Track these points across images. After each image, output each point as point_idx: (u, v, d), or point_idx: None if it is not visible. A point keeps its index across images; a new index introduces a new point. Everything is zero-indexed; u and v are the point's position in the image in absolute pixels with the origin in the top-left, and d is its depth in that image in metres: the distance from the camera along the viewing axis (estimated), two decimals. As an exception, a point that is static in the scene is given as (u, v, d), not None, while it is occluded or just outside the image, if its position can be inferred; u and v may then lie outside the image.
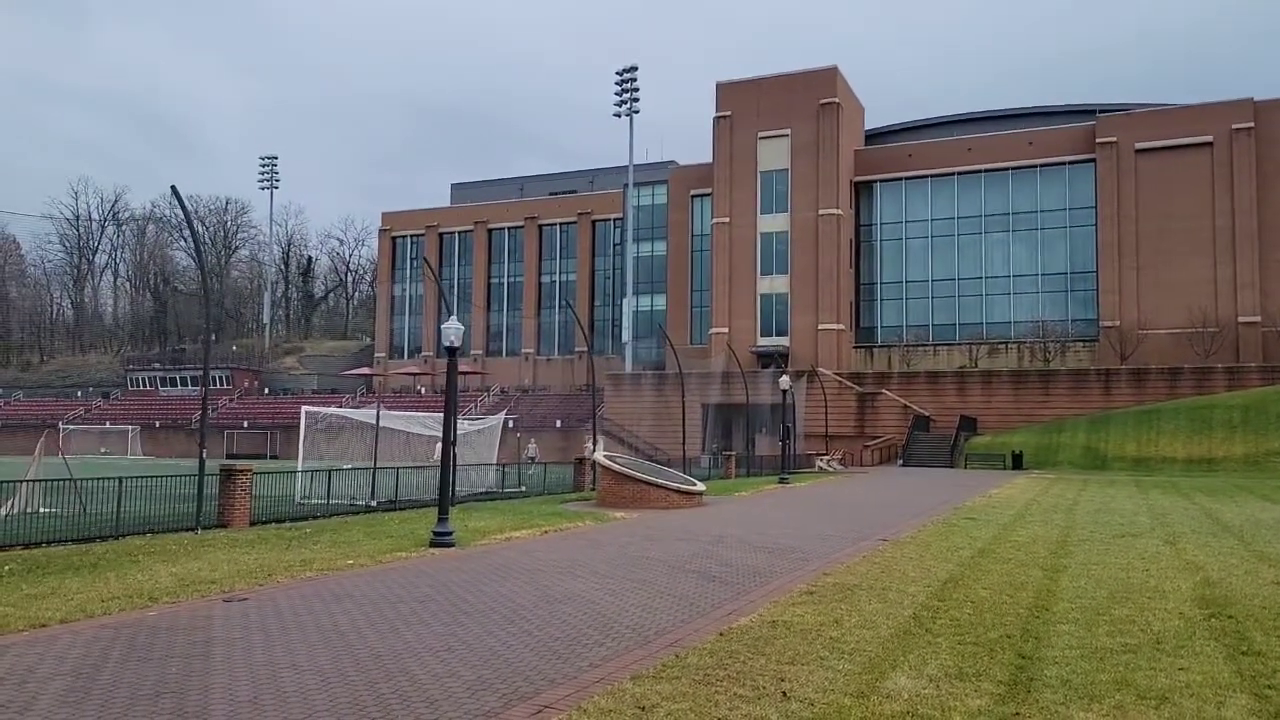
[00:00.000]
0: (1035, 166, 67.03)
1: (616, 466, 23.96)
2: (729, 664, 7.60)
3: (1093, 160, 64.45)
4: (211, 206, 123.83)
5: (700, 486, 24.87)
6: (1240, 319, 59.03)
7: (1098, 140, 63.95)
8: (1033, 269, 67.62)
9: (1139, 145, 62.71)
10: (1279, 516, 20.42)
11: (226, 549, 14.32)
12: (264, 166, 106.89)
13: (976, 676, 7.31)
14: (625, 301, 78.15)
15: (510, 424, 60.91)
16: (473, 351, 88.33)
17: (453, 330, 15.46)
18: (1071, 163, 65.87)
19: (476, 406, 71.61)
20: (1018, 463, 47.56)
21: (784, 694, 6.76)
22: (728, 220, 70.63)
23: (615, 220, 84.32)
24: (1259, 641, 8.41)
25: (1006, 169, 67.83)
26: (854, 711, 6.38)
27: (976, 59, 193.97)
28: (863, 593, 11.05)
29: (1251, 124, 60.33)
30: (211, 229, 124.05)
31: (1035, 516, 21.05)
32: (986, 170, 68.34)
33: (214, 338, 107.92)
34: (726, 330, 68.84)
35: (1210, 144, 61.11)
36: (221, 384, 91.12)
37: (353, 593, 10.75)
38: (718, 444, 57.28)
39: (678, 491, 23.69)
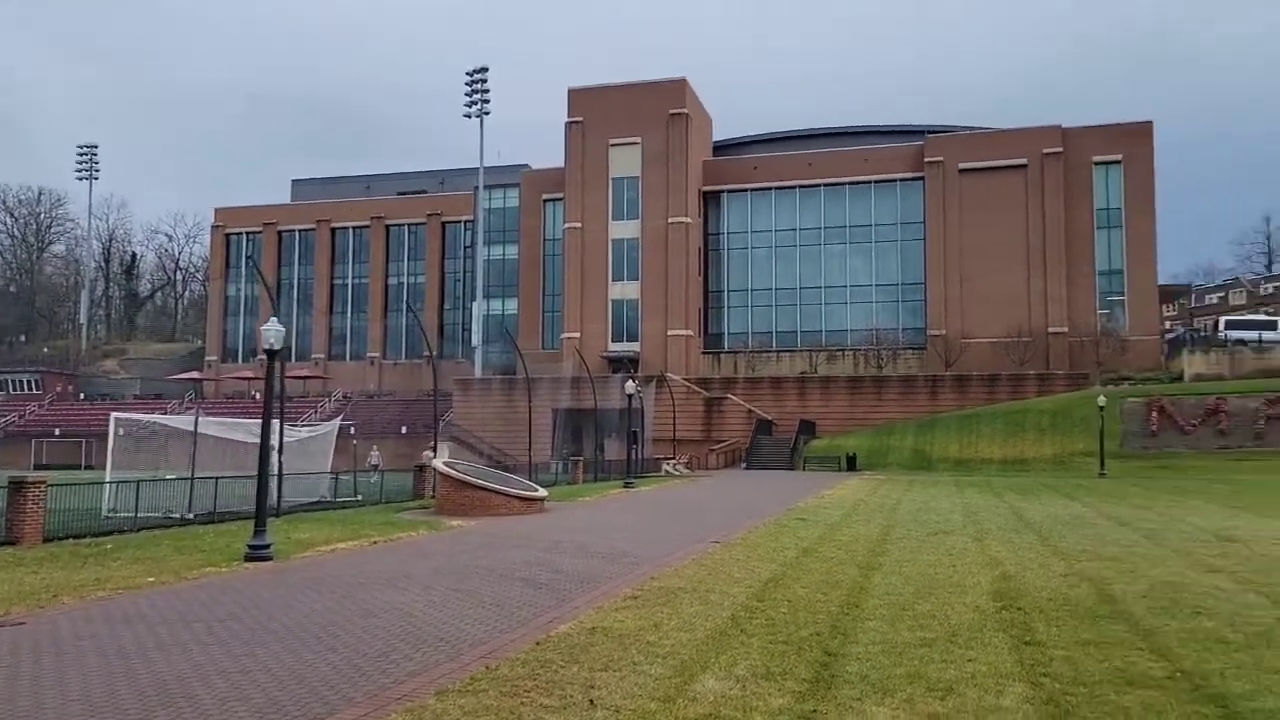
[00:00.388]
0: (870, 182, 70.34)
1: (455, 473, 23.47)
2: (540, 674, 7.49)
3: (922, 178, 68.21)
4: (22, 197, 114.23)
5: (542, 492, 24.68)
6: (1050, 329, 63.69)
7: (926, 160, 67.76)
8: (868, 279, 70.84)
9: (962, 165, 66.84)
10: (1076, 513, 22.06)
11: (9, 569, 13.10)
12: (82, 156, 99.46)
13: (782, 675, 7.46)
14: (475, 305, 76.99)
15: (352, 430, 58.94)
16: (314, 355, 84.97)
17: (272, 332, 14.73)
18: (903, 180, 69.49)
19: (316, 412, 68.96)
20: (852, 464, 49.64)
21: (591, 702, 6.70)
22: (580, 225, 70.74)
23: (466, 222, 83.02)
24: (1041, 632, 8.97)
25: (844, 184, 70.86)
26: (659, 716, 6.39)
27: (828, 76, 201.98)
28: (686, 595, 11.16)
29: (1060, 149, 65.32)
30: (22, 221, 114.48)
31: (861, 516, 21.94)
32: (826, 185, 71.17)
33: (23, 338, 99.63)
34: (578, 335, 68.84)
35: (1024, 166, 65.79)
36: (30, 389, 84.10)
37: (147, 613, 10.01)
38: (567, 449, 57.21)
39: (519, 498, 23.41)
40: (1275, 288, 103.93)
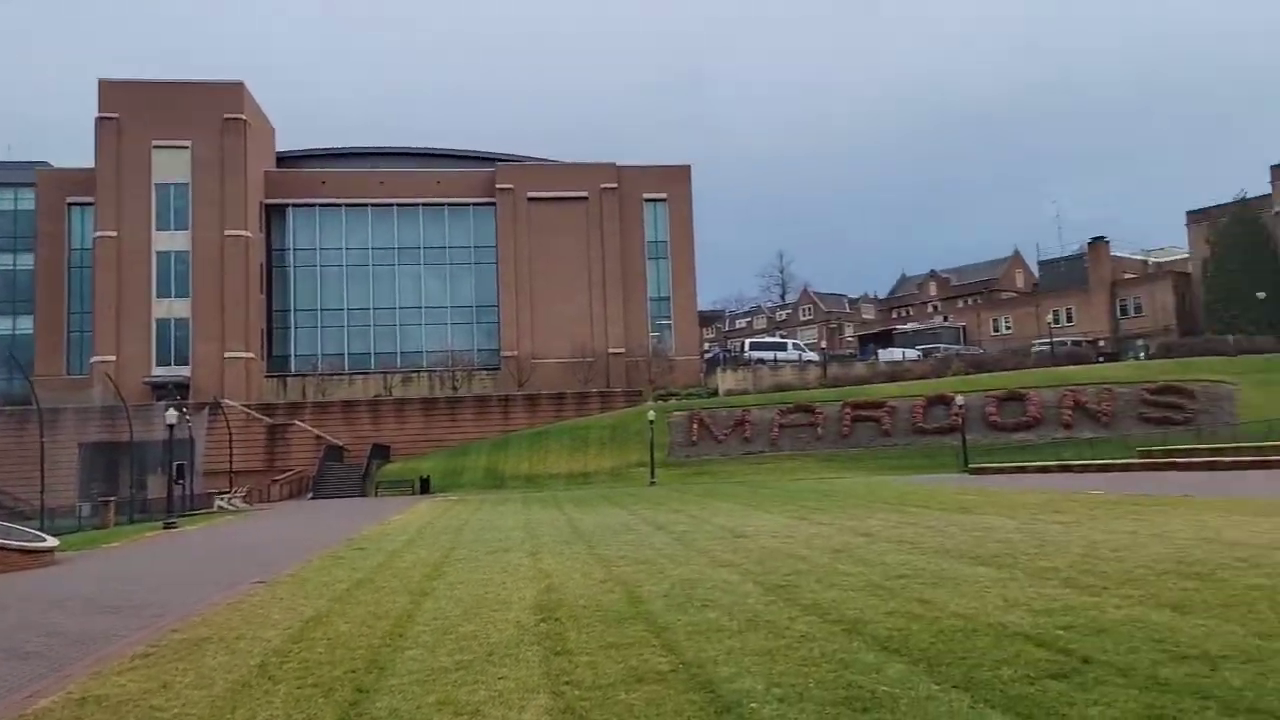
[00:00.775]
0: (444, 205, 71.05)
1: (-73, 528, 19.23)
2: (-5, 768, 6.20)
3: (494, 204, 70.37)
4: None
5: (51, 542, 21.16)
6: (610, 350, 68.99)
7: (497, 186, 70.13)
8: (443, 301, 71.34)
9: (531, 194, 70.20)
10: (623, 521, 23.84)
11: None
12: None
13: (305, 723, 6.96)
14: (-25, 323, 64.57)
15: None
16: None
17: None
18: (476, 204, 71.18)
19: None
20: (425, 487, 49.34)
21: (57, 793, 5.66)
22: (115, 234, 62.60)
23: (-39, 225, 69.47)
24: (572, 640, 9.37)
25: (418, 205, 70.82)
26: (144, 796, 5.56)
27: (400, 96, 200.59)
28: (211, 646, 10.07)
29: (616, 184, 71.30)
30: None
31: (426, 540, 21.66)
32: (399, 204, 70.59)
33: None
34: (113, 359, 60.77)
35: (586, 199, 70.79)
36: None
37: None
38: (97, 489, 49.94)
39: (18, 550, 19.81)
40: (787, 314, 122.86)
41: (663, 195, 72.72)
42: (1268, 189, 67.13)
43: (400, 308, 70.65)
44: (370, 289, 70.39)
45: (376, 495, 49.73)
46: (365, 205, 70.31)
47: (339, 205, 70.04)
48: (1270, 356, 55.28)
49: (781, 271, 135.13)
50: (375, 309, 70.32)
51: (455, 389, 66.29)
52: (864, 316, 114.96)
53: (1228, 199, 68.15)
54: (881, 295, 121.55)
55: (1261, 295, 62.36)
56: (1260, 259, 63.95)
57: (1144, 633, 8.02)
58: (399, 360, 69.00)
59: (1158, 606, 9.12)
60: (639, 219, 72.13)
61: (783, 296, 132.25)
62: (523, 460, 55.05)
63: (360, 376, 67.59)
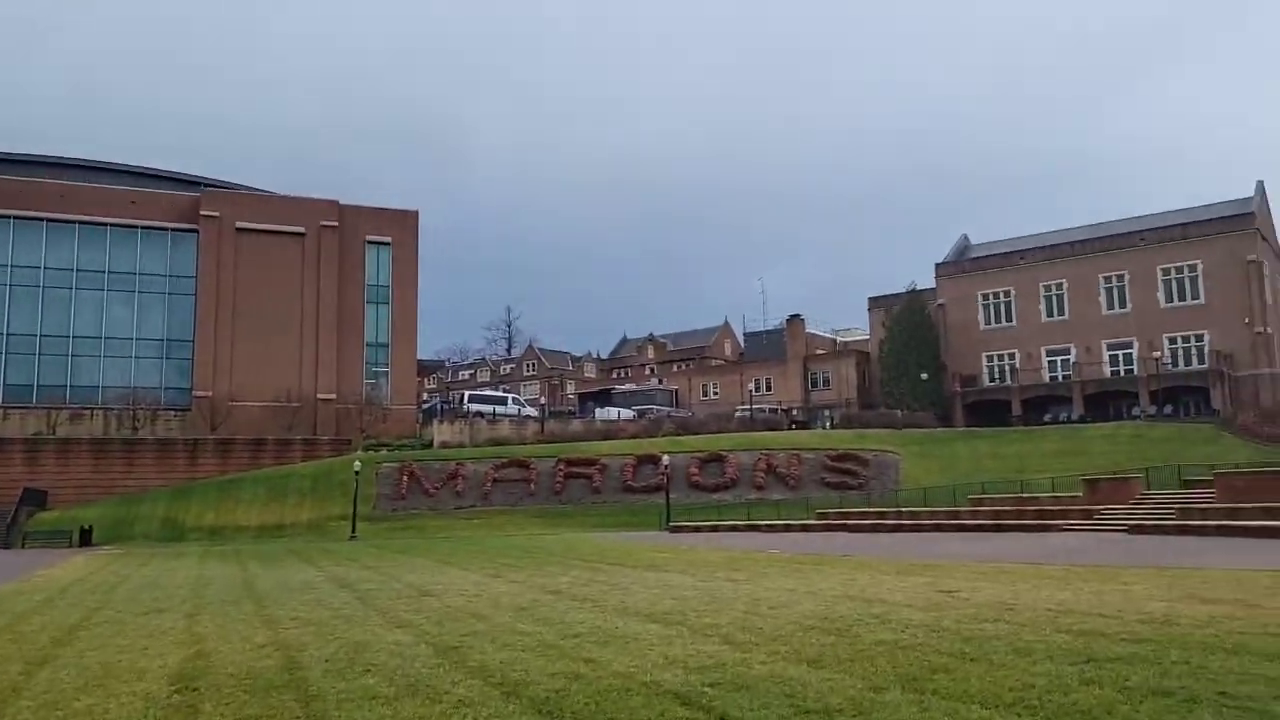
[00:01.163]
0: (137, 227, 64.76)
1: None
2: None
3: (196, 231, 65.10)
4: None
5: None
6: (320, 395, 65.49)
7: (202, 213, 65.03)
8: (129, 332, 64.64)
9: (240, 224, 65.74)
10: (308, 579, 22.33)
11: None
12: None
13: None
14: None
15: None
16: None
17: None
18: (175, 230, 65.51)
19: None
20: (86, 539, 43.91)
21: None
22: None
23: None
24: (206, 714, 8.48)
25: (106, 224, 64.05)
26: None
27: (96, 105, 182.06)
28: None
29: (337, 223, 68.54)
30: None
31: (69, 599, 19.12)
32: (83, 222, 63.45)
33: None
34: None
35: (303, 235, 67.37)
36: None
37: None
38: None
39: None
40: (511, 369, 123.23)
41: (387, 239, 70.83)
42: (933, 283, 77.00)
43: (75, 337, 62.97)
44: (39, 313, 62.23)
45: (23, 547, 43.51)
46: (40, 219, 62.35)
47: (6, 217, 61.63)
48: (929, 431, 62.76)
49: (509, 325, 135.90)
50: (43, 336, 62.19)
51: (135, 430, 59.82)
52: (586, 375, 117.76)
53: (902, 289, 77.29)
54: (604, 355, 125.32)
55: (924, 376, 70.93)
56: (925, 343, 72.87)
57: (780, 688, 8.52)
58: (68, 395, 61.32)
59: (797, 661, 9.76)
60: (360, 261, 69.64)
61: (509, 350, 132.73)
62: (208, 510, 50.49)
63: (17, 411, 59.24)
